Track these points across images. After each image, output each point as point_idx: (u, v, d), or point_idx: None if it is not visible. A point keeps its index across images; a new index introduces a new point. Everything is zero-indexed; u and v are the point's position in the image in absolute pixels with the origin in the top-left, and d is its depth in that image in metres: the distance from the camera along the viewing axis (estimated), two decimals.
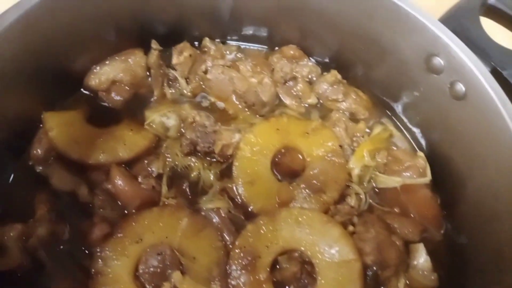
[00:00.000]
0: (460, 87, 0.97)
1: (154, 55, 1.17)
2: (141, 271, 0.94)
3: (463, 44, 0.96)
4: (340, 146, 1.11)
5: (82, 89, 1.18)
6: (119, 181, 1.01)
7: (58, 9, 0.96)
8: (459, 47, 0.96)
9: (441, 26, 0.98)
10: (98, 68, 1.15)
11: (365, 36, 1.11)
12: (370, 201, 1.09)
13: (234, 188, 1.07)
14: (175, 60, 1.20)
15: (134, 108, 1.18)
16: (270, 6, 1.17)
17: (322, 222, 0.98)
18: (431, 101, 1.07)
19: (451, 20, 1.15)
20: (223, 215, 1.03)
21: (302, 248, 0.97)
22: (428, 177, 1.09)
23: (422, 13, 0.99)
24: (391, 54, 1.10)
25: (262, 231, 0.99)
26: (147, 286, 0.93)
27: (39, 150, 1.04)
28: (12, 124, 1.03)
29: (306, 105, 1.22)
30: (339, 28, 1.14)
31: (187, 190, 1.08)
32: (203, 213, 1.03)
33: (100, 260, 0.94)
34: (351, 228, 1.01)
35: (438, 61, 1.00)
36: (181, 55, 1.19)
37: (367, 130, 1.17)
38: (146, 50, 1.20)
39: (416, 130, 1.18)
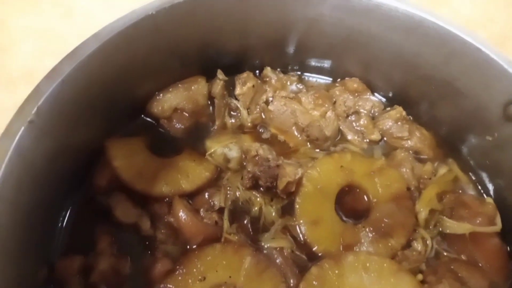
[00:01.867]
0: None
1: (219, 85, 1.15)
2: None
3: None
4: (408, 188, 1.07)
5: (143, 116, 1.16)
6: (183, 215, 0.99)
7: (134, 40, 0.95)
8: None
9: None
10: (161, 95, 1.14)
11: (438, 78, 1.08)
12: (436, 246, 1.05)
13: (297, 227, 1.04)
14: (238, 90, 1.18)
15: (194, 137, 1.16)
16: (337, 41, 1.15)
17: (392, 270, 0.95)
18: (505, 148, 1.03)
19: None
20: (286, 255, 1.00)
21: None
22: (499, 226, 1.04)
23: (506, 59, 0.95)
24: (465, 98, 1.06)
25: (327, 275, 0.96)
26: None
27: (102, 180, 1.03)
28: (74, 152, 1.01)
29: (368, 141, 1.19)
30: (410, 68, 1.11)
31: (249, 226, 1.05)
32: (265, 252, 1.01)
33: None
34: (420, 276, 0.97)
35: None
36: (244, 85, 1.17)
37: (433, 172, 1.13)
38: (208, 78, 1.19)
39: (483, 174, 1.14)
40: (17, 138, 0.75)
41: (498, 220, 1.05)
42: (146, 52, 1.00)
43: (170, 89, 1.15)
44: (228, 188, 1.08)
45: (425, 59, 1.06)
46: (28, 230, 0.84)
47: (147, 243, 1.00)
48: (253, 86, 1.18)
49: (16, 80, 1.36)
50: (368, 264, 0.96)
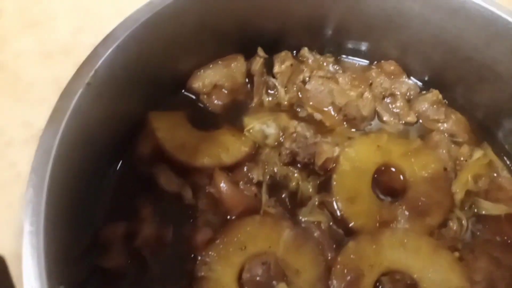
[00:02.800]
0: None
1: (259, 62, 1.17)
2: (245, 279, 0.93)
3: None
4: (445, 169, 1.08)
5: (184, 91, 1.19)
6: (224, 186, 1.01)
7: (183, 13, 0.97)
8: None
9: None
10: (202, 71, 1.16)
11: (478, 61, 1.08)
12: (471, 227, 1.06)
13: (334, 202, 1.06)
14: (277, 68, 1.19)
15: (232, 114, 1.18)
16: (377, 23, 1.16)
17: (431, 246, 0.96)
18: None
19: None
20: (323, 228, 1.02)
21: (408, 271, 0.95)
22: None
23: None
24: (503, 81, 1.07)
25: (365, 250, 0.97)
26: None
27: (145, 149, 1.05)
28: (119, 122, 1.04)
29: (404, 123, 1.20)
30: (450, 50, 1.11)
31: (287, 200, 1.07)
32: (303, 225, 1.02)
33: (205, 264, 0.94)
34: (456, 254, 0.98)
35: None
36: (283, 63, 1.19)
37: (469, 155, 1.14)
38: (246, 56, 1.21)
39: None
40: (76, 98, 0.77)
41: None
42: (192, 27, 1.02)
43: (211, 66, 1.17)
44: (266, 163, 1.10)
45: (466, 41, 1.07)
46: (76, 192, 0.86)
47: (189, 212, 1.02)
48: (291, 65, 1.20)
49: (53, 54, 1.39)
50: (405, 240, 0.98)
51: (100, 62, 0.83)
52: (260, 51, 1.18)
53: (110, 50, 0.85)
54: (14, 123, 1.22)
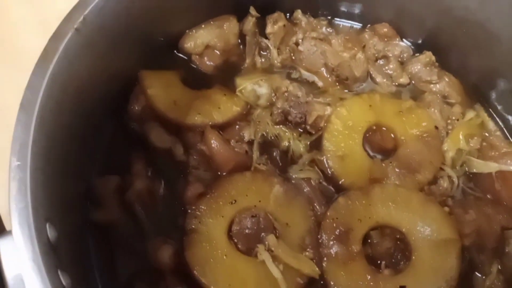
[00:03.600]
0: None
1: (251, 22, 1.16)
2: (234, 231, 0.94)
3: None
4: (436, 127, 1.08)
5: (175, 52, 1.19)
6: (214, 143, 1.02)
7: None
8: None
9: None
10: (194, 31, 1.16)
11: (470, 19, 1.08)
12: (463, 185, 1.06)
13: (324, 160, 1.06)
14: (269, 29, 1.19)
15: (225, 75, 1.18)
16: None
17: (421, 200, 0.97)
18: None
19: None
20: (313, 185, 1.03)
21: (398, 225, 0.96)
22: None
23: None
24: (496, 40, 1.06)
25: (354, 205, 0.98)
26: (240, 247, 0.93)
27: (136, 107, 1.05)
28: (112, 80, 1.04)
29: (397, 85, 1.20)
30: (442, 11, 1.11)
31: (277, 158, 1.07)
32: (293, 182, 1.03)
33: (195, 218, 0.95)
34: (446, 209, 0.99)
35: None
36: (275, 24, 1.18)
37: (461, 115, 1.14)
38: (239, 18, 1.20)
39: (510, 118, 1.14)
40: (65, 41, 0.78)
41: None
42: None
43: (203, 26, 1.16)
44: (258, 123, 1.11)
45: (459, 0, 1.06)
46: (67, 138, 0.87)
47: (180, 168, 1.03)
48: (284, 25, 1.19)
49: (49, 22, 1.38)
50: (396, 195, 0.98)
51: (89, 9, 0.83)
52: (252, 10, 1.18)
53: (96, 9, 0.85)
54: (10, 89, 1.23)
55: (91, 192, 0.98)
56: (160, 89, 1.07)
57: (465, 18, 1.10)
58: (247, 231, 0.94)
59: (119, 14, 0.92)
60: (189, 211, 0.96)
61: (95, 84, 0.96)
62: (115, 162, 1.04)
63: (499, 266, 0.97)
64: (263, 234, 0.94)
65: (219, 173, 1.03)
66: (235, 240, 0.94)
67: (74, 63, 0.82)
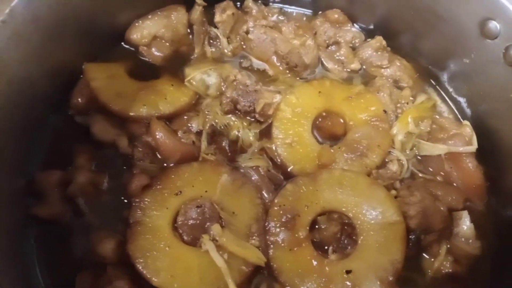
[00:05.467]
0: None
1: (198, 10, 1.15)
2: (180, 222, 0.93)
3: None
4: (384, 111, 1.08)
5: (123, 43, 1.17)
6: (160, 134, 1.00)
7: None
8: None
9: None
10: (140, 22, 1.14)
11: (418, 3, 1.08)
12: (412, 168, 1.06)
13: (274, 148, 1.05)
14: (217, 17, 1.18)
15: (174, 65, 1.16)
16: None
17: (366, 183, 0.96)
18: (482, 68, 1.04)
19: None
20: (262, 173, 1.02)
21: (344, 209, 0.95)
22: (475, 146, 1.05)
23: None
24: (444, 21, 1.06)
25: (302, 191, 0.97)
26: (186, 238, 0.92)
27: (79, 99, 1.04)
28: (54, 72, 1.03)
29: (349, 70, 1.19)
30: None
31: (227, 147, 1.06)
32: (242, 170, 1.02)
33: (139, 210, 0.93)
34: (393, 192, 0.99)
35: (494, 25, 0.96)
36: (224, 13, 1.17)
37: (411, 98, 1.13)
38: (188, 7, 1.18)
39: (461, 100, 1.15)
40: None
41: (474, 140, 1.06)
42: None
43: (149, 16, 1.15)
44: (207, 112, 1.09)
45: None
46: (5, 136, 0.85)
47: (125, 160, 1.02)
48: (233, 14, 1.18)
49: None
50: (342, 180, 0.98)
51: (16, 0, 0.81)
52: None
53: None
54: None
55: (33, 187, 0.96)
56: (104, 81, 1.05)
57: (413, 2, 1.10)
58: (192, 221, 0.92)
59: (54, 5, 0.90)
60: (133, 203, 0.94)
61: (32, 77, 0.94)
62: (59, 156, 1.02)
63: (448, 246, 0.97)
64: (208, 224, 0.92)
65: (165, 164, 1.02)
66: (180, 231, 0.93)
67: (3, 56, 0.79)
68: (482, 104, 1.09)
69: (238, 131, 1.08)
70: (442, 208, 0.96)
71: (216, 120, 1.09)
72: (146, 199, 0.94)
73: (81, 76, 1.07)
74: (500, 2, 0.94)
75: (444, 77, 1.17)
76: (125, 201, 0.96)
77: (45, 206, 0.95)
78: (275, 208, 0.96)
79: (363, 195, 0.95)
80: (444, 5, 1.05)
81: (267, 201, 0.98)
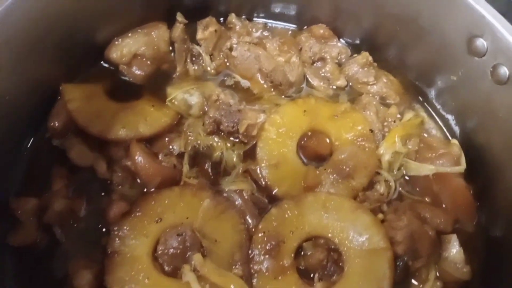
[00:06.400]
0: (504, 70, 0.91)
1: (179, 28, 1.12)
2: (160, 251, 0.90)
3: (510, 25, 0.90)
4: (371, 130, 1.05)
5: (102, 62, 1.13)
6: (139, 158, 0.97)
7: None
8: (505, 28, 0.90)
9: (486, 5, 0.92)
10: (120, 40, 1.11)
11: (402, 15, 1.06)
12: (400, 189, 1.04)
13: (258, 170, 1.03)
14: (200, 35, 1.14)
15: (155, 84, 1.13)
16: None
17: (352, 208, 0.94)
18: (470, 85, 1.01)
19: None
20: (246, 197, 0.99)
21: (329, 235, 0.92)
22: (463, 166, 1.03)
23: None
24: (430, 35, 1.04)
25: (286, 215, 0.94)
26: (166, 268, 0.89)
27: (57, 123, 1.01)
28: (31, 94, 1.00)
29: (335, 88, 1.17)
30: (374, 6, 1.09)
31: (209, 170, 1.03)
32: (225, 195, 0.99)
33: (117, 239, 0.90)
34: (380, 215, 0.96)
35: (481, 42, 0.94)
36: (206, 30, 1.14)
37: (398, 116, 1.11)
38: (170, 24, 1.15)
39: (449, 117, 1.12)
40: None
41: (463, 160, 1.04)
42: None
43: (130, 34, 1.11)
44: (189, 133, 1.06)
45: None
46: None
47: (103, 185, 0.98)
48: (216, 31, 1.15)
49: None
50: (327, 204, 0.95)
51: None
52: (179, 16, 1.13)
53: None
54: None
55: (8, 214, 0.92)
56: (82, 103, 1.02)
57: (397, 14, 1.08)
58: (172, 250, 0.89)
59: (27, 26, 0.87)
60: (111, 232, 0.91)
61: (7, 98, 0.91)
62: (34, 180, 0.99)
63: (437, 273, 0.94)
64: (189, 253, 0.89)
65: (145, 189, 0.98)
66: (161, 261, 0.90)
67: None
68: (470, 122, 1.07)
69: (222, 152, 1.05)
70: (430, 233, 0.93)
71: (199, 141, 1.05)
72: (125, 227, 0.91)
73: (59, 97, 1.04)
74: (487, 19, 0.91)
75: (432, 93, 1.14)
76: (103, 230, 0.92)
77: (20, 234, 0.92)
78: (259, 234, 0.93)
79: (348, 220, 0.92)
80: (428, 19, 1.03)
81: (251, 226, 0.95)
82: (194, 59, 1.17)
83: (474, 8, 0.92)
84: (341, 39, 1.22)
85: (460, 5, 0.94)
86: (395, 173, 1.04)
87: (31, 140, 1.03)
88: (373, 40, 1.18)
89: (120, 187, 0.98)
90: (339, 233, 0.92)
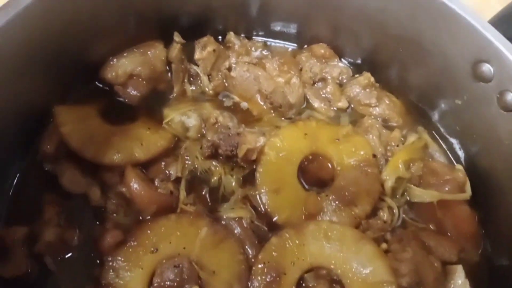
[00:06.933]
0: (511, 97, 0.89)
1: (176, 48, 1.08)
2: (155, 284, 0.86)
3: None
4: (374, 155, 1.02)
5: (97, 82, 1.10)
6: (134, 184, 0.94)
7: None
8: None
9: (493, 30, 0.89)
10: (115, 60, 1.07)
11: (405, 37, 1.03)
12: (404, 216, 1.01)
13: (258, 196, 0.99)
14: (197, 55, 1.11)
15: (152, 105, 1.10)
16: (302, 0, 1.09)
17: (355, 238, 0.91)
18: (475, 110, 0.99)
19: (502, 23, 1.06)
20: (245, 225, 0.96)
21: (332, 266, 0.89)
22: (468, 193, 1.00)
23: (472, 14, 0.90)
24: (433, 58, 1.01)
25: (287, 245, 0.91)
26: None
27: (49, 146, 0.96)
28: (21, 116, 0.96)
29: (336, 109, 1.14)
30: (377, 27, 1.06)
31: (207, 196, 1.00)
32: (223, 222, 0.96)
33: (111, 270, 0.86)
34: (384, 245, 0.93)
35: (488, 68, 0.91)
36: (204, 49, 1.11)
37: (401, 139, 1.08)
38: (167, 43, 1.12)
39: (454, 141, 1.10)
40: None
41: (468, 187, 1.02)
42: (93, 9, 0.94)
43: (125, 54, 1.08)
44: (186, 157, 1.03)
45: (392, 16, 1.01)
46: None
47: (97, 213, 0.94)
48: (214, 50, 1.12)
49: None
50: (329, 233, 0.92)
51: None
52: (177, 36, 1.10)
53: None
54: None
55: None
56: (75, 126, 0.98)
57: (399, 35, 1.05)
58: (169, 283, 0.86)
59: (16, 50, 0.83)
60: (105, 262, 0.87)
61: (1, 117, 0.87)
62: (24, 208, 0.95)
63: None
64: (186, 286, 0.86)
65: (141, 217, 0.95)
66: None
67: None
68: (475, 147, 1.04)
69: (220, 177, 1.02)
70: (435, 264, 0.90)
71: (196, 166, 1.02)
72: (119, 258, 0.87)
73: (51, 119, 1.00)
74: (494, 44, 0.89)
75: (435, 116, 1.12)
76: (97, 260, 0.89)
77: (10, 265, 0.87)
78: (259, 265, 0.89)
79: (352, 251, 0.89)
80: (432, 41, 1.00)
81: (250, 256, 0.92)
82: (191, 79, 1.13)
83: (481, 33, 0.89)
84: (342, 59, 1.19)
85: (466, 29, 0.91)
86: (398, 198, 1.02)
87: (20, 164, 0.99)
88: (375, 60, 1.16)
89: (114, 215, 0.94)
90: (342, 264, 0.89)
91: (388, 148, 1.06)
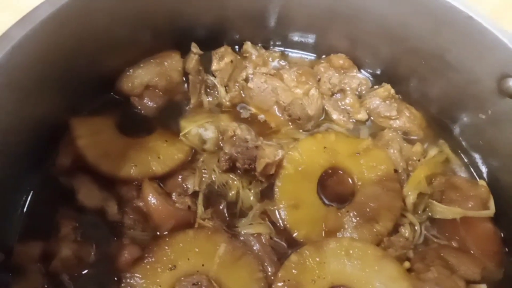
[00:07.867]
0: None
1: (193, 59, 1.07)
2: None
3: None
4: (395, 170, 1.00)
5: (112, 93, 1.08)
6: (152, 199, 0.92)
7: (93, 8, 0.86)
8: None
9: None
10: (131, 71, 1.06)
11: (427, 50, 1.01)
12: (425, 232, 0.99)
13: (276, 211, 0.97)
14: (215, 66, 1.10)
15: (168, 116, 1.08)
16: (321, 12, 1.07)
17: (377, 256, 0.88)
18: (500, 126, 0.96)
19: None
20: (264, 241, 0.94)
21: (353, 285, 0.87)
22: (492, 210, 0.98)
23: (499, 28, 0.88)
24: (456, 72, 0.99)
25: (308, 263, 0.89)
26: None
27: (65, 160, 0.95)
28: (35, 129, 0.94)
29: (355, 121, 1.12)
30: (398, 40, 1.04)
31: (225, 211, 0.98)
32: (242, 238, 0.94)
33: (129, 287, 0.85)
34: (407, 264, 0.91)
35: None
36: (221, 60, 1.09)
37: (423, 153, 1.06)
38: (183, 53, 1.11)
39: (476, 155, 1.07)
40: None
41: (492, 204, 0.99)
42: (109, 22, 0.92)
43: (141, 65, 1.07)
44: (204, 170, 1.01)
45: (413, 30, 0.99)
46: None
47: (113, 229, 0.93)
48: (231, 61, 1.10)
49: None
50: (351, 251, 0.89)
51: (8, 48, 0.74)
52: (194, 47, 1.08)
53: (3, 53, 0.74)
54: None
55: (11, 261, 0.87)
56: (91, 139, 0.96)
57: (420, 48, 1.03)
58: None
59: (32, 64, 0.81)
60: (122, 279, 0.86)
61: (9, 133, 0.85)
62: (39, 223, 0.93)
63: None
64: None
65: (158, 233, 0.93)
66: None
67: None
68: (498, 162, 1.02)
69: (238, 191, 1.00)
70: (459, 284, 0.88)
71: (214, 179, 1.00)
72: (137, 275, 0.86)
73: (65, 132, 0.98)
74: None
75: (457, 129, 1.09)
76: (115, 278, 0.87)
77: (25, 282, 0.86)
78: (279, 284, 0.87)
79: (374, 270, 0.87)
80: (455, 55, 0.97)
81: (269, 274, 0.90)
82: (208, 90, 1.12)
83: (508, 47, 0.87)
84: (361, 70, 1.17)
85: (493, 44, 0.88)
86: (420, 213, 0.99)
87: (35, 177, 0.97)
88: (394, 71, 1.13)
89: (131, 230, 0.92)
90: (364, 284, 0.87)
91: (410, 162, 1.03)
